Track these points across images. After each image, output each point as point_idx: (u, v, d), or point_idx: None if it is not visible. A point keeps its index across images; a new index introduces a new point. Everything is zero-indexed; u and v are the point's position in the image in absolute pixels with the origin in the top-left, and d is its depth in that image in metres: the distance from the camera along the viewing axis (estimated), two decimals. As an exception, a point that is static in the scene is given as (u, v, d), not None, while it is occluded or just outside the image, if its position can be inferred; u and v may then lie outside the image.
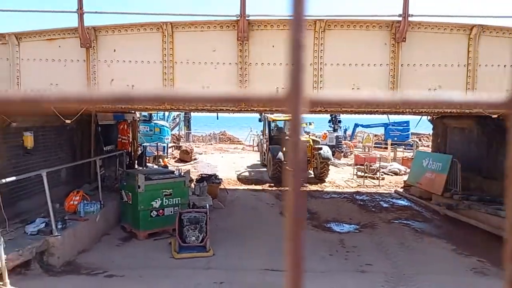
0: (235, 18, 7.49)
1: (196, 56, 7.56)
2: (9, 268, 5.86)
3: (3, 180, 6.42)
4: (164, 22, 7.50)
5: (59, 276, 6.59)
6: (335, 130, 26.63)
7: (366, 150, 26.28)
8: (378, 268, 7.40)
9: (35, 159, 9.01)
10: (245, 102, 0.59)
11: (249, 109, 8.59)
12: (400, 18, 7.09)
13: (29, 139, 8.67)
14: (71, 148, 11.03)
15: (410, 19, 7.06)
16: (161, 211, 9.01)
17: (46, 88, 7.63)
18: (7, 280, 5.63)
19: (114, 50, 7.66)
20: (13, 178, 6.68)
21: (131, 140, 14.49)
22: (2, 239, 5.73)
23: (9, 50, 7.51)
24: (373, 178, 16.86)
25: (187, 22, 7.60)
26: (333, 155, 20.25)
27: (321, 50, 7.64)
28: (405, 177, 16.23)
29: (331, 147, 20.51)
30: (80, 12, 7.20)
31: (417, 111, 11.43)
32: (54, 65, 7.63)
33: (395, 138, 27.53)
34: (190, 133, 33.23)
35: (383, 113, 10.60)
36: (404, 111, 10.94)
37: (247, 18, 7.45)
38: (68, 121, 8.46)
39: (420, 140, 31.27)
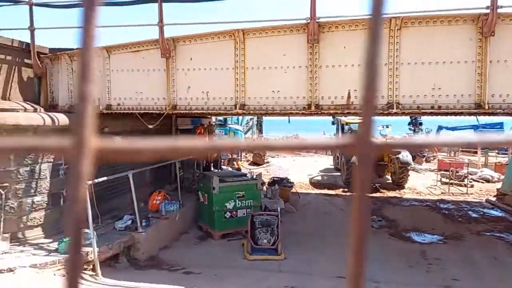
0: (305, 21, 7.46)
1: (266, 61, 7.69)
2: (101, 260, 6.52)
3: (96, 180, 7.19)
4: (236, 29, 7.75)
5: (144, 270, 7.15)
6: (415, 132, 24.96)
7: (452, 154, 24.17)
8: (466, 284, 6.75)
9: (124, 161, 9.91)
10: (303, 150, 0.59)
11: (320, 113, 8.46)
12: (488, 11, 6.42)
13: (118, 143, 9.56)
14: (154, 152, 11.91)
15: (499, 10, 6.36)
16: (234, 212, 9.29)
17: (132, 96, 8.38)
18: (99, 271, 6.26)
19: (191, 59, 8.12)
20: (104, 178, 7.42)
21: (207, 143, 15.16)
22: (95, 233, 6.40)
23: (101, 63, 8.38)
24: (460, 185, 15.44)
25: (257, 28, 7.77)
26: (413, 159, 18.97)
27: (397, 49, 7.25)
28: (499, 185, 14.59)
29: (411, 151, 19.26)
30: (161, 25, 7.77)
31: (512, 111, 10.21)
32: (139, 75, 8.33)
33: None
34: (262, 136, 33.72)
35: (470, 114, 9.64)
36: (497, 112, 9.86)
37: (317, 20, 7.38)
38: (150, 126, 9.16)
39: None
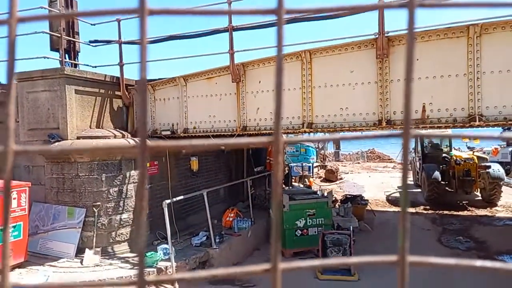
0: (373, 37, 7.34)
1: (333, 78, 7.68)
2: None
3: (175, 198, 7.75)
4: (303, 50, 7.89)
5: (218, 285, 7.44)
6: (509, 144, 22.41)
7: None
8: None
9: (199, 180, 10.52)
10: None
11: (393, 128, 8.14)
12: None
13: (194, 163, 10.22)
14: (227, 170, 12.44)
15: None
16: (305, 230, 9.26)
17: (206, 119, 8.92)
18: (177, 285, 6.68)
19: (259, 82, 8.43)
20: (182, 196, 7.96)
21: (279, 161, 15.36)
22: (173, 249, 6.87)
23: (178, 90, 9.10)
24: None
25: (324, 48, 7.82)
26: (507, 174, 17.05)
27: (477, 57, 6.76)
28: None
29: (504, 164, 17.37)
30: (231, 52, 8.23)
31: None
32: (212, 100, 8.86)
33: None
34: (339, 151, 33.00)
35: None
36: None
37: (386, 35, 7.21)
38: (223, 147, 9.60)
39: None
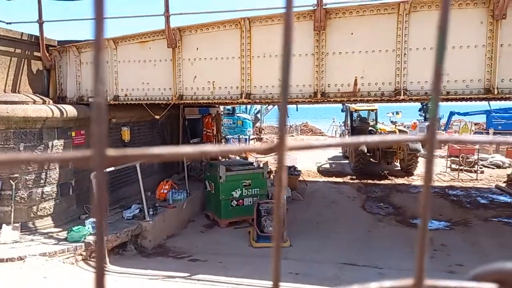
0: (311, 8, 7.36)
1: (272, 49, 7.62)
2: (109, 248, 6.68)
3: (105, 170, 7.29)
4: (242, 18, 7.69)
5: (151, 257, 7.30)
6: (426, 119, 24.64)
7: (463, 140, 23.79)
8: (470, 269, 6.72)
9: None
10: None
11: (326, 100, 8.40)
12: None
13: (126, 133, 9.69)
14: (162, 141, 12.02)
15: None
16: (241, 201, 9.38)
17: (138, 87, 8.42)
18: (107, 259, 6.41)
19: (197, 49, 8.10)
20: (112, 168, 7.52)
21: (215, 132, 15.24)
22: (103, 221, 6.51)
23: (108, 53, 8.42)
24: (470, 172, 15.28)
25: (263, 16, 7.69)
26: (423, 146, 18.78)
27: (405, 34, 7.12)
28: (509, 171, 14.39)
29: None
30: (167, 15, 7.74)
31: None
32: (145, 65, 8.35)
33: (499, 127, 24.44)
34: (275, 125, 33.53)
35: (479, 99, 9.46)
36: (507, 96, 9.66)
37: (324, 7, 7.27)
38: (157, 117, 9.22)
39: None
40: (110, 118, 9.08)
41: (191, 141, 13.22)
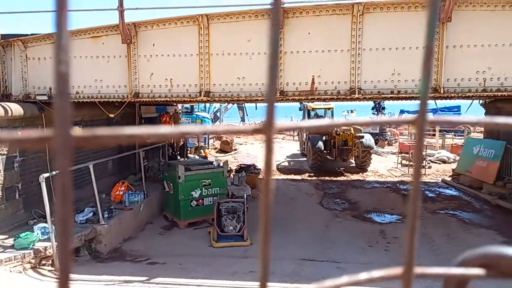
0: (270, 6, 7.39)
1: (231, 47, 7.58)
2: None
3: (54, 172, 6.89)
4: (200, 14, 7.57)
5: (106, 262, 7.00)
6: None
7: (412, 137, 25.14)
8: (421, 260, 7.03)
9: (85, 152, 9.55)
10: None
11: (285, 99, 8.49)
12: (445, -3, 6.64)
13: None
14: (117, 141, 11.55)
15: (456, -3, 6.59)
16: (200, 201, 9.25)
17: (91, 84, 8.04)
18: (58, 266, 6.06)
19: (153, 45, 7.87)
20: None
21: (173, 131, 14.88)
22: (53, 227, 6.16)
23: (57, 49, 7.94)
24: (419, 167, 16.13)
25: (222, 14, 7.62)
26: (376, 143, 19.61)
27: (359, 35, 7.36)
28: (454, 165, 15.40)
29: (374, 135, 19.84)
30: (121, 10, 7.45)
31: (467, 96, 10.73)
32: (98, 62, 7.99)
33: (444, 125, 26.04)
34: (245, 123, 33.39)
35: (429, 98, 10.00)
36: (452, 95, 10.32)
37: (282, 6, 7.33)
38: (111, 115, 8.86)
39: (473, 126, 29.34)
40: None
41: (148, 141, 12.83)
